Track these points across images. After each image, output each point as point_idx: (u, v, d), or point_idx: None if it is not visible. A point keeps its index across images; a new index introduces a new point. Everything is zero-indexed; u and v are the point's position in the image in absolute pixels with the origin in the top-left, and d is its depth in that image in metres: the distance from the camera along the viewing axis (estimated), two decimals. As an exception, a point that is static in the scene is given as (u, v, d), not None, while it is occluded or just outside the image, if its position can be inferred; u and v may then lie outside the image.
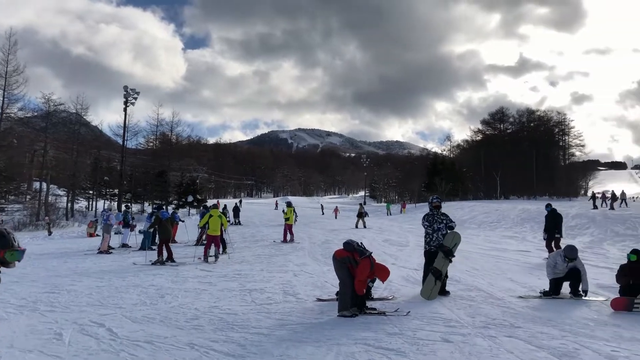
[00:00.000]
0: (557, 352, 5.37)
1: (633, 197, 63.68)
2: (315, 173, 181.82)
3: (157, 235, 15.85)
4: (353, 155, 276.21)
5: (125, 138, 49.90)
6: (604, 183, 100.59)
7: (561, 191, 72.57)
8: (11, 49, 39.27)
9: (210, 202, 38.08)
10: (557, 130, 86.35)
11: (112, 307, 8.05)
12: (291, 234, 20.39)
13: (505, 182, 75.92)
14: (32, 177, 51.13)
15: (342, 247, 7.63)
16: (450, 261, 8.84)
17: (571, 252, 8.47)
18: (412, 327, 6.51)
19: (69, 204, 51.06)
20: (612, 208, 32.17)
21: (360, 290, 7.22)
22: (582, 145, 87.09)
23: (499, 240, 21.10)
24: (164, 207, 51.08)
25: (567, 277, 8.51)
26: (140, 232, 19.16)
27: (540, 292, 8.70)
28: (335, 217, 44.08)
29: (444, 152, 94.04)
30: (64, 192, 53.26)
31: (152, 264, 13.68)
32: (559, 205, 15.07)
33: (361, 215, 30.60)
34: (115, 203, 49.27)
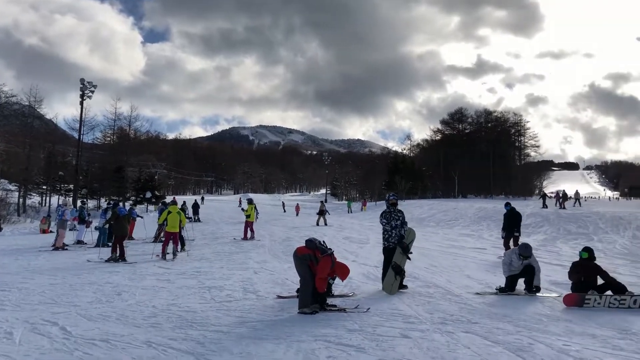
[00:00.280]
0: (512, 346, 5.51)
1: (585, 197, 65.94)
2: (276, 170, 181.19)
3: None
4: (315, 153, 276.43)
5: (82, 132, 48.36)
6: (558, 183, 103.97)
7: (517, 190, 74.49)
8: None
9: (169, 199, 37.50)
10: (513, 131, 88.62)
11: (66, 305, 7.83)
12: (252, 231, 20.25)
13: (463, 181, 77.43)
14: (-20, 171, 49.22)
15: (303, 244, 7.64)
16: (409, 258, 9.03)
17: (526, 250, 8.72)
18: (372, 323, 6.56)
19: (21, 199, 49.30)
20: (563, 207, 33.17)
21: (321, 287, 7.24)
22: (537, 146, 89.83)
23: (456, 238, 21.49)
24: (121, 203, 50.15)
25: (522, 274, 8.74)
26: (95, 228, 18.69)
27: (496, 289, 8.92)
28: (297, 215, 44.10)
29: (404, 151, 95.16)
30: (16, 187, 51.43)
31: (105, 261, 13.36)
32: (515, 205, 15.43)
33: (322, 212, 30.73)
34: (71, 198, 47.86)
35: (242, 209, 21.92)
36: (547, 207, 33.94)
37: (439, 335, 5.97)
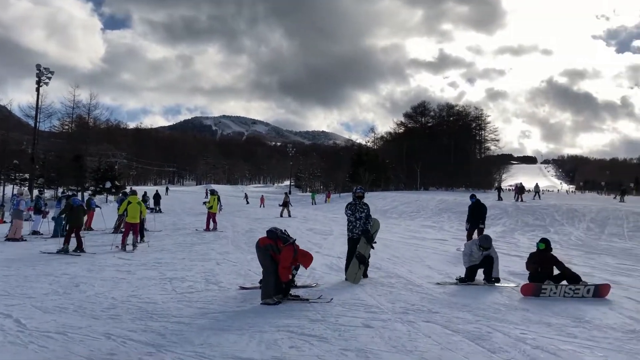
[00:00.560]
0: (471, 335, 5.62)
1: (543, 190, 67.79)
2: (240, 161, 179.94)
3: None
4: (279, 144, 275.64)
5: (38, 120, 46.94)
6: (516, 176, 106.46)
7: (477, 183, 76.02)
8: None
9: (129, 189, 36.76)
10: (474, 125, 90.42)
11: (20, 297, 7.59)
12: (214, 222, 20.06)
13: (425, 174, 78.60)
14: None
15: (265, 235, 7.60)
16: (372, 247, 9.20)
17: (485, 242, 8.93)
18: (335, 313, 6.59)
19: (-27, 189, 47.64)
20: (520, 200, 33.93)
21: (284, 276, 7.22)
22: (497, 140, 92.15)
23: (418, 230, 21.80)
24: (79, 192, 48.98)
25: (482, 264, 8.94)
26: (52, 219, 18.18)
27: (456, 279, 9.10)
28: (261, 206, 43.94)
29: (368, 144, 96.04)
30: (-33, 176, 49.63)
31: (57, 252, 13.00)
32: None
33: (286, 204, 30.70)
34: (26, 188, 46.40)
35: (203, 203, 21.49)
36: (502, 199, 34.66)
37: (401, 325, 6.04)
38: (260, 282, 7.64)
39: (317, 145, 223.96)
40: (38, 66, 42.75)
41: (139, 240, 14.51)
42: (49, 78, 43.28)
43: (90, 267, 10.74)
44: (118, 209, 17.30)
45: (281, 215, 29.33)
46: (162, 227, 20.45)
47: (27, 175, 51.66)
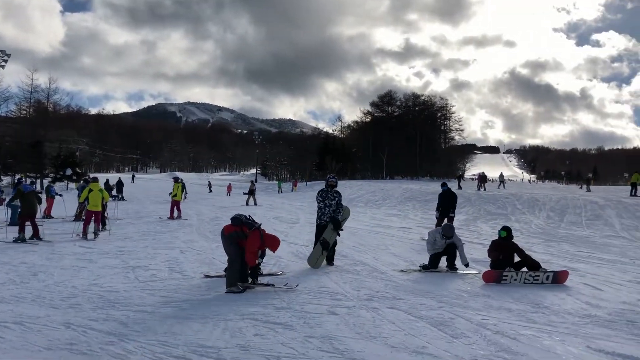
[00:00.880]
0: (434, 321, 5.71)
1: (507, 179, 69.27)
2: (205, 149, 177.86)
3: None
4: (245, 132, 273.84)
5: (-6, 104, 45.40)
6: (479, 166, 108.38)
7: (441, 172, 76.99)
8: None
9: (91, 177, 35.93)
10: (439, 115, 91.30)
11: (-25, 287, 7.33)
12: (178, 210, 19.81)
13: (391, 163, 79.13)
14: None
15: (230, 222, 7.53)
16: (339, 234, 9.27)
17: (448, 231, 9.09)
18: (300, 301, 6.60)
19: None
20: (483, 189, 34.55)
21: (251, 261, 7.16)
22: (462, 130, 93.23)
23: (383, 218, 22.00)
24: (38, 179, 47.64)
25: (445, 252, 9.09)
26: (7, 206, 17.61)
27: (420, 266, 9.23)
28: (228, 194, 43.63)
29: (335, 133, 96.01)
30: None
31: (14, 241, 12.61)
32: (439, 186, 15.90)
33: (252, 192, 30.53)
34: (-19, 175, 44.90)
35: (170, 193, 21.11)
36: (461, 188, 35.08)
37: (365, 312, 6.09)
38: (225, 270, 7.59)
39: (284, 133, 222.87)
40: (-6, 48, 41.20)
41: (100, 229, 14.21)
42: (5, 61, 41.95)
43: (49, 255, 10.46)
44: (79, 197, 16.88)
45: (247, 204, 29.19)
46: (124, 215, 20.08)
47: (-18, 162, 49.89)
